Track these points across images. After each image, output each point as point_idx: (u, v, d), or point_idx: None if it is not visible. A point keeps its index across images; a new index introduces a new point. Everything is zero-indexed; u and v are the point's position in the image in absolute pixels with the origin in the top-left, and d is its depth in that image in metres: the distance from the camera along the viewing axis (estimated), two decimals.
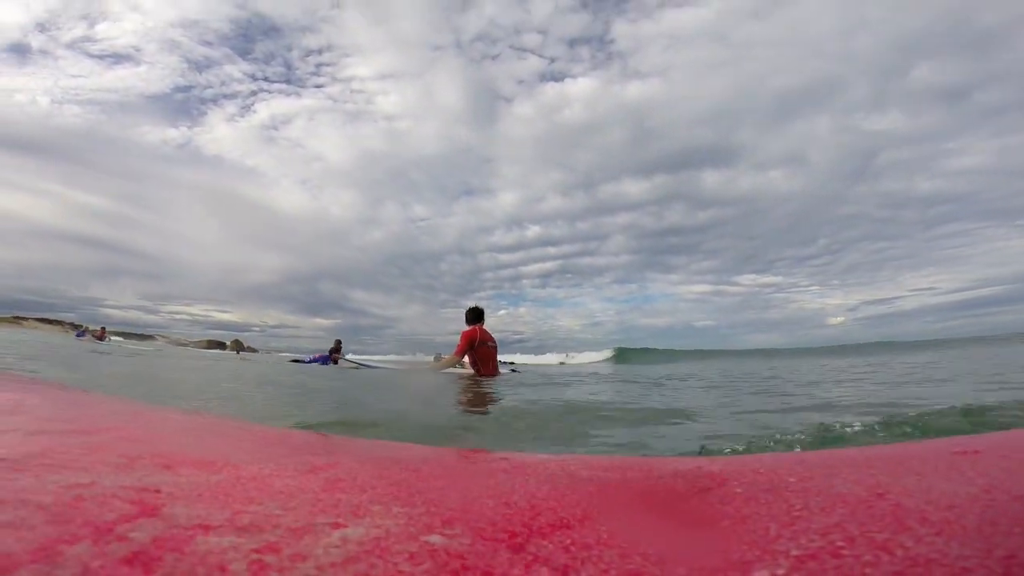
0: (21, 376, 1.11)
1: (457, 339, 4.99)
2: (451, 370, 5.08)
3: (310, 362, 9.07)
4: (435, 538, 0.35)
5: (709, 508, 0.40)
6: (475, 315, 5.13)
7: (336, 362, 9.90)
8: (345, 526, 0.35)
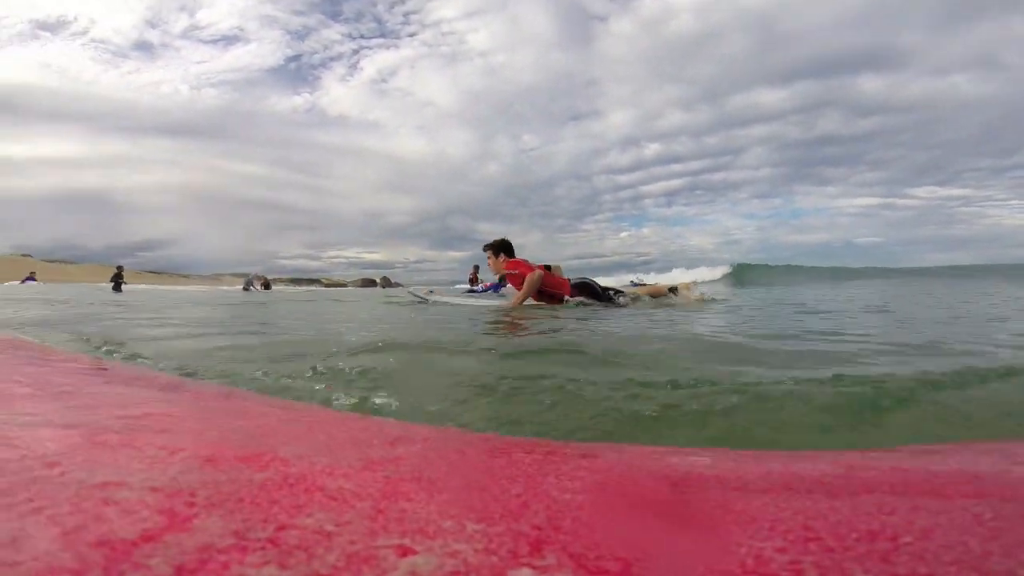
0: (76, 355, 1.12)
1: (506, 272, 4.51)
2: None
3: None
4: (526, 573, 0.28)
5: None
6: (508, 248, 4.59)
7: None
8: (414, 552, 0.27)
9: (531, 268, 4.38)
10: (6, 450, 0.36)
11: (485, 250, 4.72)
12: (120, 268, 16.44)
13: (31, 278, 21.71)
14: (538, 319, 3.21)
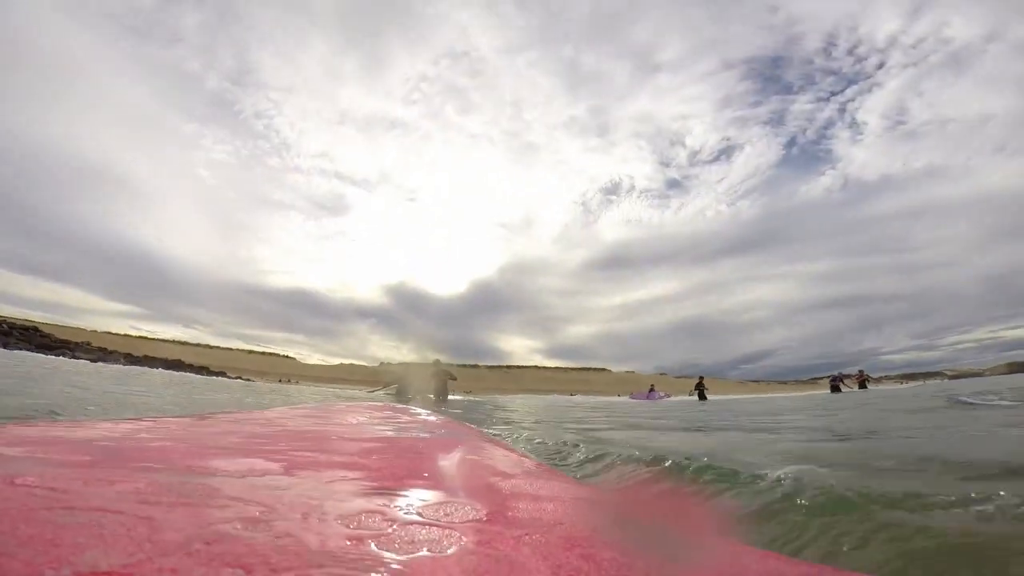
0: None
1: None
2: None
3: None
4: None
5: None
6: None
7: None
8: None
9: None
10: None
11: None
12: (701, 378, 17.87)
13: (653, 390, 23.41)
14: None
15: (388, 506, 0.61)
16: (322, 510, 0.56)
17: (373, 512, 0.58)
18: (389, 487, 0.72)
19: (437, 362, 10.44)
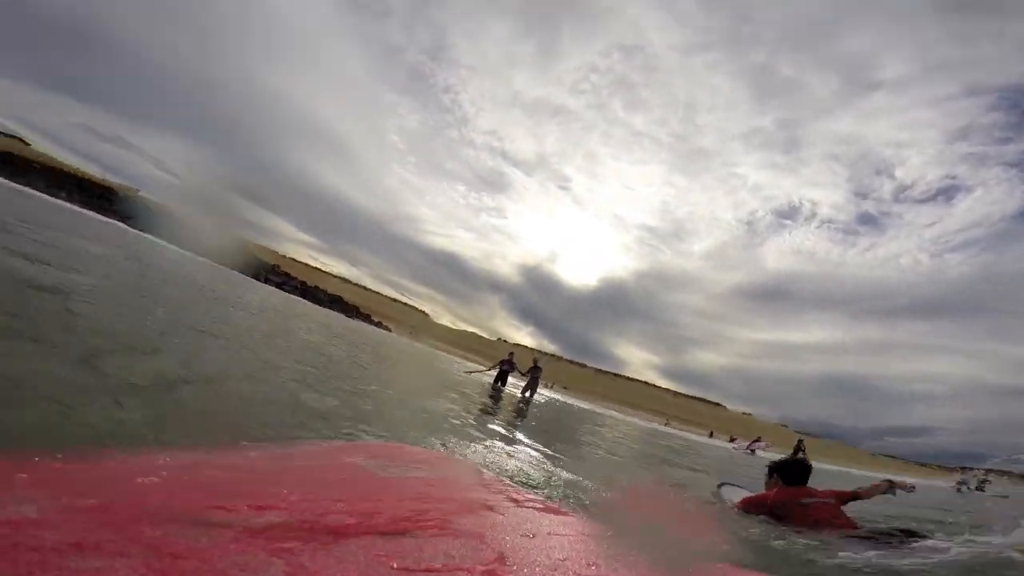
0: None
1: None
2: None
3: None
4: None
5: None
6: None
7: None
8: None
9: None
10: None
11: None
12: (800, 440, 16.02)
13: (759, 440, 21.83)
14: None
15: None
16: None
17: None
18: None
19: (536, 359, 11.47)
